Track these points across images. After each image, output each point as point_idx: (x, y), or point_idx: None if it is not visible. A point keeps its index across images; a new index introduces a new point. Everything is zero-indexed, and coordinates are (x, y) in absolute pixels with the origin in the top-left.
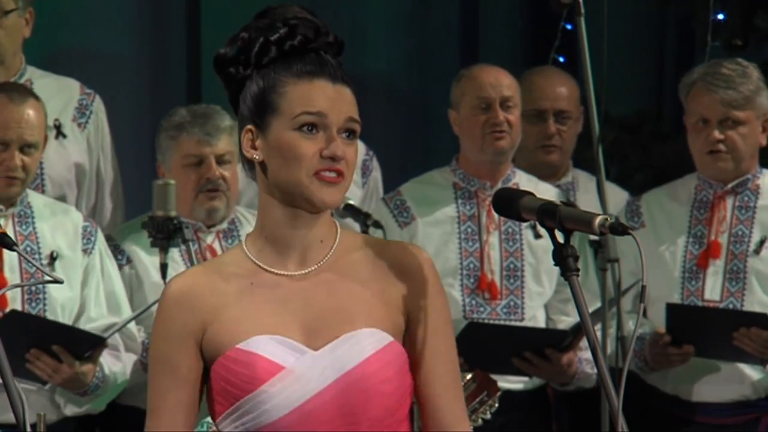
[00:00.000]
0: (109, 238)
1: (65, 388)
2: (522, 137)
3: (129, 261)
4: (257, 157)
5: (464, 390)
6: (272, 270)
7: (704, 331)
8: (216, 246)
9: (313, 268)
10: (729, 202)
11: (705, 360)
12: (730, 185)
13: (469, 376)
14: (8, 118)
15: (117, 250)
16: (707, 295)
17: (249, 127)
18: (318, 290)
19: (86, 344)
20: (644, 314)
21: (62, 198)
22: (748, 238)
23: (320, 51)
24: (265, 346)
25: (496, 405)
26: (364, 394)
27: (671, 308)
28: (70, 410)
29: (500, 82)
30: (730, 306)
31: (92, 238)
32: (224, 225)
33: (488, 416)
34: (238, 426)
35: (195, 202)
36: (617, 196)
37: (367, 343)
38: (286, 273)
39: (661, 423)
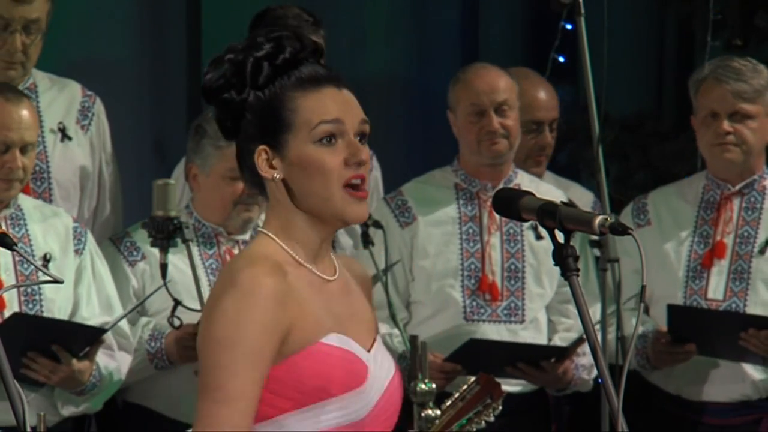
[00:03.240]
0: (126, 235)
1: (62, 388)
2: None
3: (144, 257)
4: (278, 177)
5: (468, 392)
6: (315, 272)
7: (706, 331)
8: (236, 251)
9: (337, 275)
10: (735, 203)
11: (707, 359)
12: (737, 186)
13: (472, 379)
14: (8, 119)
15: (133, 246)
16: (710, 295)
17: (262, 147)
18: (345, 296)
19: (86, 340)
20: (647, 312)
21: (67, 200)
22: (754, 239)
23: (309, 60)
24: (350, 343)
25: (500, 408)
26: (400, 394)
27: (672, 309)
28: (67, 411)
29: (494, 87)
30: (733, 306)
31: (82, 239)
32: (247, 234)
33: (491, 419)
34: (324, 420)
35: (233, 212)
36: (584, 197)
37: (387, 348)
38: (324, 277)
39: (662, 423)
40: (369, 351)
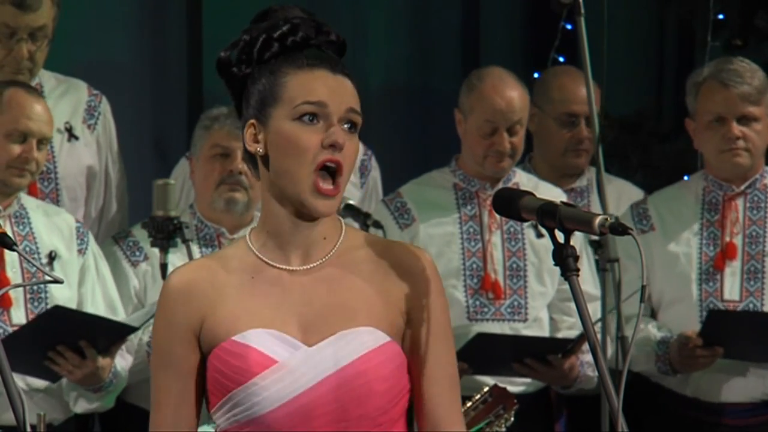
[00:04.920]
0: (128, 234)
1: (82, 384)
2: (550, 141)
3: (146, 258)
4: (260, 151)
5: (480, 403)
6: (274, 264)
7: (739, 335)
8: None
9: (316, 263)
10: (740, 203)
11: (726, 359)
12: (741, 187)
13: (486, 389)
14: (30, 110)
15: (135, 246)
16: (726, 296)
17: (252, 121)
18: (319, 286)
19: (111, 336)
20: (654, 317)
21: (74, 200)
22: (763, 238)
23: (321, 47)
24: (260, 339)
25: (512, 419)
26: (356, 391)
27: (713, 314)
28: (80, 407)
29: (511, 106)
30: (750, 305)
31: (85, 239)
32: (247, 230)
33: (503, 429)
34: (229, 417)
35: (215, 193)
36: (632, 194)
37: (363, 341)
38: (288, 268)
39: (680, 426)
40: (312, 344)
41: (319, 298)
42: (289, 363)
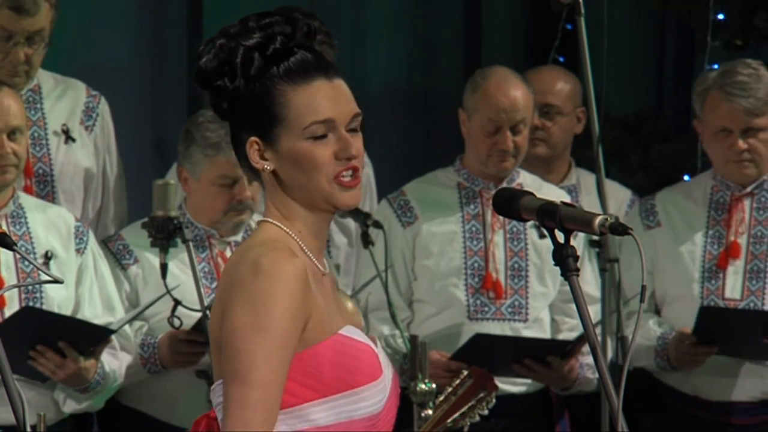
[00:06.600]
0: (118, 237)
1: (67, 384)
2: None
3: (136, 261)
4: (268, 168)
5: (461, 387)
6: (317, 265)
7: (733, 332)
8: (227, 253)
9: (327, 269)
10: (746, 203)
11: (725, 358)
12: (748, 188)
13: (465, 373)
14: None
15: (125, 250)
16: (728, 294)
17: (253, 139)
18: (334, 292)
19: (93, 338)
20: (659, 313)
21: (71, 202)
22: None
23: (302, 47)
24: (361, 336)
25: (494, 401)
26: (399, 394)
27: (704, 311)
28: (69, 407)
29: (515, 105)
30: (751, 305)
31: (84, 238)
32: (239, 235)
33: (485, 412)
34: (351, 411)
35: (224, 218)
36: (620, 194)
37: None
38: (321, 269)
39: (683, 423)
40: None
41: (339, 303)
42: (382, 361)
